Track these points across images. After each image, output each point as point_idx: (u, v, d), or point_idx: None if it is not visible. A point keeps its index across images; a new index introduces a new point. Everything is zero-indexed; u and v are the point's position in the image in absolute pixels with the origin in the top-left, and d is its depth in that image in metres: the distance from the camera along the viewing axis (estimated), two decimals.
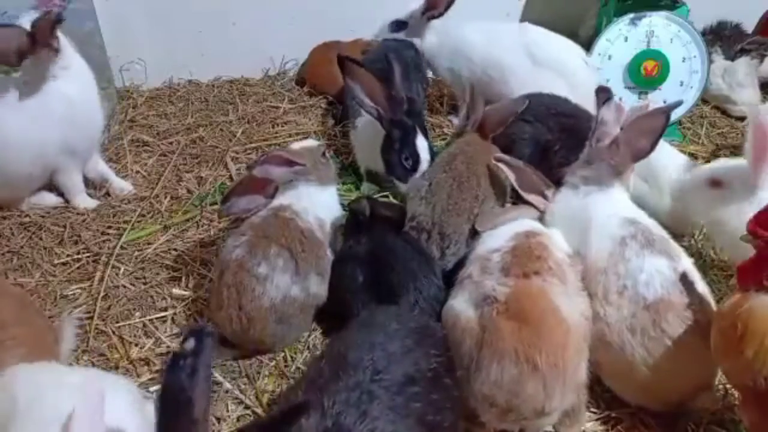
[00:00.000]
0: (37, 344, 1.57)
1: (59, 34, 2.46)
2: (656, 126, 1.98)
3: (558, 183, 2.15)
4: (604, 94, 2.08)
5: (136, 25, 3.37)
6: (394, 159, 2.51)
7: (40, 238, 2.50)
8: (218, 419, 1.80)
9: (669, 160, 2.39)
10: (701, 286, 1.74)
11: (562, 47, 2.93)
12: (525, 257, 1.73)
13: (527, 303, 1.61)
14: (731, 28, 3.36)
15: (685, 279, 1.71)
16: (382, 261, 1.98)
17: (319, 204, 2.16)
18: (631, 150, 2.00)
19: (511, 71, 2.90)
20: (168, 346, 2.02)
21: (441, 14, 3.05)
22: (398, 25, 3.14)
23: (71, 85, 2.55)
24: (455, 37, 3.03)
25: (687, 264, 1.78)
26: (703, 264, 2.22)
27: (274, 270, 1.92)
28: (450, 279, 1.96)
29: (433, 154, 2.55)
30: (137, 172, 2.89)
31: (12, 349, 1.53)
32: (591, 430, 1.76)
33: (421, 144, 2.51)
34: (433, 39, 3.09)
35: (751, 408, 1.50)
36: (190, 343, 1.18)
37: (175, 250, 2.41)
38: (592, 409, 1.79)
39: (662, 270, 1.72)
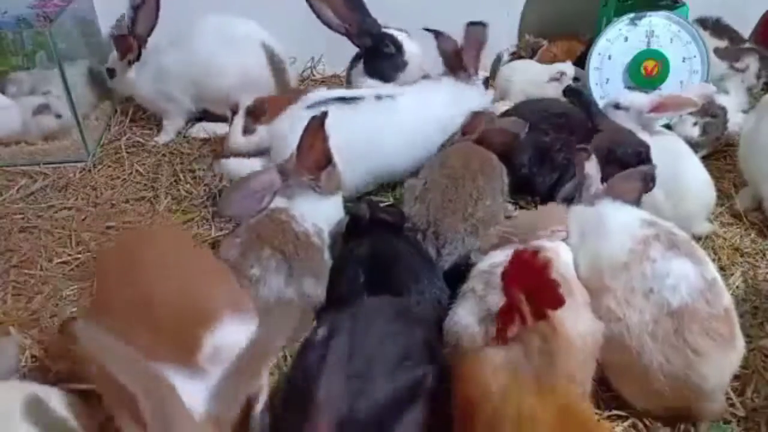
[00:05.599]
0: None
1: None
2: (634, 187, 2.04)
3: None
4: (586, 153, 2.11)
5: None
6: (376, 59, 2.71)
7: (40, 238, 2.50)
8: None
9: None
10: (727, 298, 1.70)
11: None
12: None
13: None
14: (712, 23, 3.32)
15: (713, 288, 1.68)
16: (384, 262, 1.97)
17: (318, 212, 2.14)
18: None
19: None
20: None
21: (138, 57, 3.01)
22: (109, 71, 3.12)
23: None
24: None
25: (713, 272, 1.73)
26: None
27: (267, 272, 1.92)
28: (448, 279, 1.97)
29: None
30: (137, 171, 2.89)
31: None
32: None
33: (398, 32, 2.71)
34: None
35: None
36: (323, 331, 1.40)
37: None
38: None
39: (689, 276, 1.68)
